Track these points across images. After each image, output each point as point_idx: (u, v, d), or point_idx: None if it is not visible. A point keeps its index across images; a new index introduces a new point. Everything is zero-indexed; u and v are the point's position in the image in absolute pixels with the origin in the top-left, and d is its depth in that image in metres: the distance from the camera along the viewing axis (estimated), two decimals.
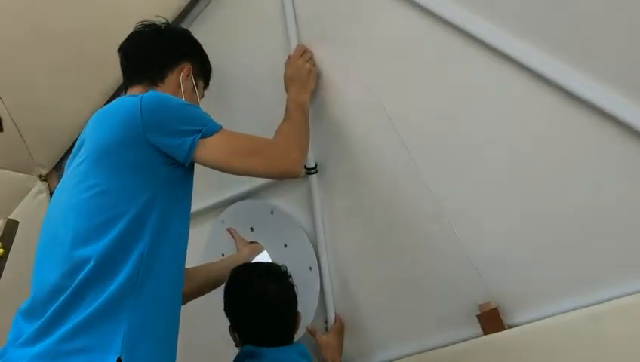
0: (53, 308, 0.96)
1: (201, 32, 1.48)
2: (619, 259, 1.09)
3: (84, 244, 0.99)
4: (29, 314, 1.02)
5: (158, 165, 1.06)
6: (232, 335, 1.41)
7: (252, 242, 1.64)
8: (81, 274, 0.97)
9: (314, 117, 1.42)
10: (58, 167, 2.00)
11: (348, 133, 1.40)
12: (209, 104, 1.49)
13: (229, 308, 1.39)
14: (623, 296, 1.08)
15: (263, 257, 1.62)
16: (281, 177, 1.24)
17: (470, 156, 1.23)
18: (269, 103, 1.45)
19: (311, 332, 1.53)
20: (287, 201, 1.54)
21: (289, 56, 1.40)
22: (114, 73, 1.37)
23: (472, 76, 1.19)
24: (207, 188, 1.63)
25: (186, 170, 1.12)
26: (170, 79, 1.27)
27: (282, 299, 1.38)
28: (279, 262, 1.57)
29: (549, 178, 1.15)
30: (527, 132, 1.15)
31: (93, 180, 1.04)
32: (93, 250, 0.98)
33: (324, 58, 1.39)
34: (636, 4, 0.99)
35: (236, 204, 1.64)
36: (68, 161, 1.19)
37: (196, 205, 1.66)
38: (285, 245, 1.56)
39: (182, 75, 1.28)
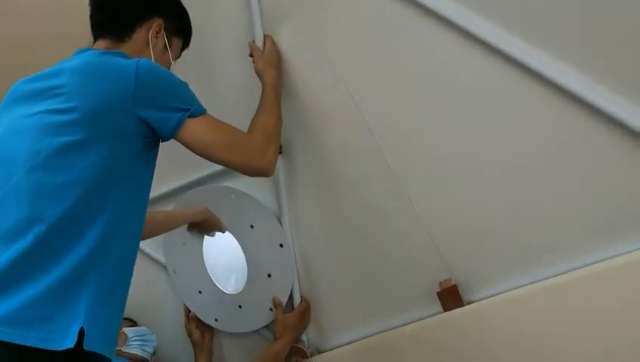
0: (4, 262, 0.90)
1: None
2: (574, 231, 1.11)
3: (47, 199, 0.95)
4: None
5: (135, 135, 1.05)
6: None
7: None
8: (41, 232, 0.92)
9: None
10: None
11: (312, 112, 1.40)
12: None
13: None
14: (579, 267, 1.09)
15: (226, 240, 1.61)
16: (253, 175, 1.22)
17: (431, 134, 1.24)
18: (229, 86, 1.46)
19: (275, 305, 1.53)
20: (250, 182, 1.52)
21: (253, 42, 1.40)
22: None
23: (433, 55, 1.19)
24: (163, 174, 1.59)
25: (155, 146, 1.12)
26: (139, 35, 1.20)
27: None
28: (246, 243, 1.58)
29: (507, 153, 1.16)
30: (488, 107, 1.15)
31: (73, 136, 0.98)
32: (56, 209, 0.94)
33: (289, 37, 1.39)
34: None
35: (193, 190, 1.63)
36: (22, 82, 1.11)
37: (154, 191, 1.66)
38: (252, 226, 1.55)
39: (151, 32, 1.21)
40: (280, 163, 1.47)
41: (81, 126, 0.99)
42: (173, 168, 1.60)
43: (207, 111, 1.12)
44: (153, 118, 1.05)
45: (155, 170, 1.56)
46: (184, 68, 1.52)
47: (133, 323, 1.77)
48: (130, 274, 1.06)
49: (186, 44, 1.35)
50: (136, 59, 1.07)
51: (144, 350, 1.66)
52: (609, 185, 1.06)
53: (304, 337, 1.57)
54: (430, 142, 1.24)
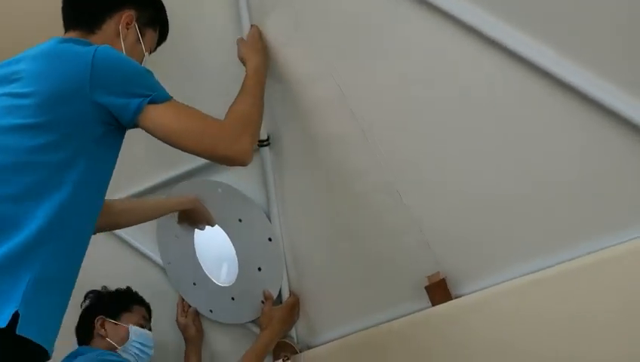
0: None
1: None
2: (563, 225, 1.09)
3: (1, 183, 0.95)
4: None
5: (95, 122, 1.02)
6: None
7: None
8: None
9: (266, 88, 1.39)
10: None
11: (300, 104, 1.37)
12: None
13: None
14: (568, 260, 1.08)
15: (216, 233, 1.60)
16: (226, 164, 1.18)
17: (420, 125, 1.22)
18: (215, 80, 1.44)
19: (265, 298, 1.52)
20: (237, 175, 1.51)
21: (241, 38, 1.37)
22: None
23: (426, 47, 1.16)
24: (150, 167, 1.62)
25: (120, 133, 1.09)
26: (109, 27, 1.17)
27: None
28: (235, 237, 1.58)
29: (497, 147, 1.14)
30: (482, 100, 1.13)
31: (28, 119, 0.98)
32: (4, 189, 0.94)
33: (277, 28, 1.36)
34: None
35: (181, 184, 1.61)
36: None
37: (140, 185, 1.66)
38: (240, 220, 1.54)
39: (121, 23, 1.18)
40: (268, 156, 1.45)
41: (38, 110, 0.98)
42: (160, 161, 1.58)
43: (174, 98, 1.09)
44: (111, 104, 1.02)
45: (142, 163, 1.55)
46: (171, 63, 1.52)
47: (148, 315, 1.67)
48: (79, 263, 1.04)
49: (162, 37, 1.32)
50: (97, 45, 1.05)
51: (138, 359, 1.56)
52: (602, 179, 1.04)
53: (293, 333, 1.55)
54: (421, 137, 1.22)
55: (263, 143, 1.43)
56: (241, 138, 1.11)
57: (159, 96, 1.06)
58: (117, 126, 1.06)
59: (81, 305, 1.61)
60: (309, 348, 1.53)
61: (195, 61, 1.48)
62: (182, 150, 1.10)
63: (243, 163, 1.13)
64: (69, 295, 1.02)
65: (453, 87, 1.16)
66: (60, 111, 0.99)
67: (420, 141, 1.23)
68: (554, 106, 1.05)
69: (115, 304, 1.59)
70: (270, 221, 1.49)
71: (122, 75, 1.05)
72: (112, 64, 1.04)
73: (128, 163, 1.65)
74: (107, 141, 1.06)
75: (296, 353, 1.53)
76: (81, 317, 1.59)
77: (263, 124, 1.39)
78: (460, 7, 1.09)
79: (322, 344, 1.50)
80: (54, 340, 0.96)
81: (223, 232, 1.60)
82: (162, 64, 1.52)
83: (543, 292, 1.10)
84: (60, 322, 0.99)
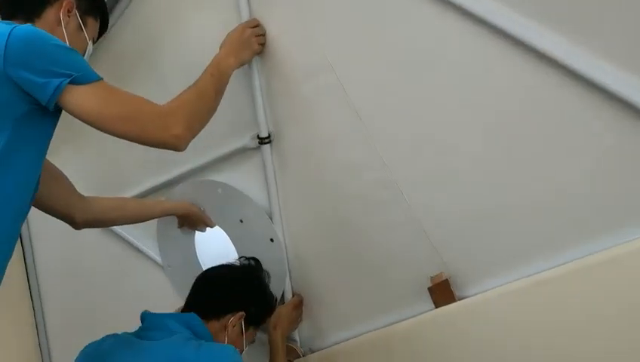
0: None
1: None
2: (568, 225, 1.05)
3: None
4: None
5: (15, 100, 0.99)
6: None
7: None
8: None
9: (267, 85, 1.37)
10: None
11: (301, 101, 1.35)
12: (150, 83, 1.46)
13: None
14: (573, 260, 1.04)
15: (217, 234, 1.57)
16: (157, 147, 1.10)
17: (424, 122, 1.18)
18: None
19: None
20: (239, 175, 1.48)
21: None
22: None
23: (426, 35, 1.13)
24: (149, 169, 1.60)
25: (49, 113, 1.04)
26: (49, 14, 1.15)
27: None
28: (237, 238, 1.55)
29: (503, 147, 1.10)
30: (488, 92, 1.09)
31: None
32: None
33: (276, 22, 1.33)
34: None
35: (181, 184, 1.58)
36: None
37: (141, 186, 1.65)
38: (241, 221, 1.51)
39: (62, 11, 1.16)
40: (269, 154, 1.41)
41: None
42: (160, 162, 1.56)
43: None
44: (27, 82, 0.98)
45: (142, 164, 1.52)
46: (168, 55, 1.51)
47: None
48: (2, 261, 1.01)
49: (103, 26, 1.30)
50: (17, 24, 1.02)
51: None
52: (603, 179, 1.01)
53: (296, 336, 1.52)
54: (425, 134, 1.19)
55: (264, 141, 1.40)
56: (174, 124, 1.06)
57: (84, 77, 1.01)
58: (41, 105, 1.02)
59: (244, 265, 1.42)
60: (312, 351, 1.50)
61: (193, 54, 1.45)
62: (110, 134, 1.05)
63: (174, 148, 1.08)
64: None
65: (460, 82, 1.12)
66: None
67: (424, 139, 1.19)
68: (555, 105, 1.02)
69: (259, 320, 1.38)
70: (272, 221, 1.46)
71: (41, 52, 1.00)
72: (30, 41, 1.00)
73: (128, 164, 1.67)
74: (32, 121, 1.02)
75: (300, 356, 1.50)
76: (234, 283, 1.36)
77: (264, 122, 1.39)
78: None
79: (326, 347, 1.46)
80: None
81: (225, 234, 1.57)
82: (159, 57, 1.52)
83: (547, 294, 1.05)
84: None
